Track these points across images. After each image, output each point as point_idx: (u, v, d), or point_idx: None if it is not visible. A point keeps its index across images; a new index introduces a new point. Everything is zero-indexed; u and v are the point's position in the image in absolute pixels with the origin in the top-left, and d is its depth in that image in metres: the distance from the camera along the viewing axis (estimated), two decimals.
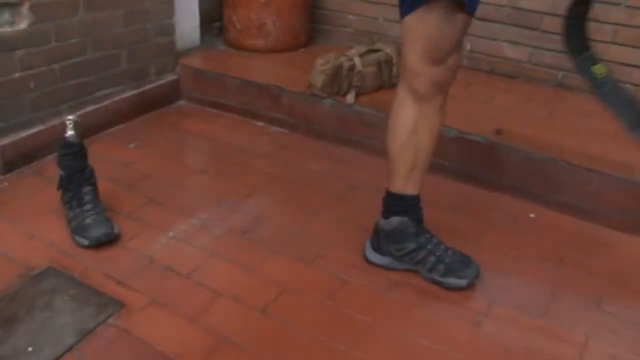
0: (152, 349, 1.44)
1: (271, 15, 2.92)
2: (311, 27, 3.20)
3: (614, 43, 2.67)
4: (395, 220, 1.70)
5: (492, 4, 2.84)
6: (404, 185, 1.68)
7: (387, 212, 1.73)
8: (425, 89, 1.56)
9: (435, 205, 2.00)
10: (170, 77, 2.80)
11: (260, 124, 2.67)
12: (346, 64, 2.43)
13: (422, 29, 1.48)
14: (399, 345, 1.51)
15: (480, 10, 2.82)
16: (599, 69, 1.40)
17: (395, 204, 1.71)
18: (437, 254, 1.70)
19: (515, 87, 2.77)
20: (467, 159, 2.23)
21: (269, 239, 1.88)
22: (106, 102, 2.51)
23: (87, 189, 1.84)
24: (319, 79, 2.41)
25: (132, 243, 1.82)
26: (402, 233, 1.70)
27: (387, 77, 2.56)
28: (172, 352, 1.43)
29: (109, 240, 1.79)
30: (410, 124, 1.60)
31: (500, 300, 1.67)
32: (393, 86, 2.58)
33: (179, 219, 1.95)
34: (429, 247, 1.71)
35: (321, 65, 2.41)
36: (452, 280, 1.69)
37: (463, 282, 1.68)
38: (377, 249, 1.77)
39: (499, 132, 2.05)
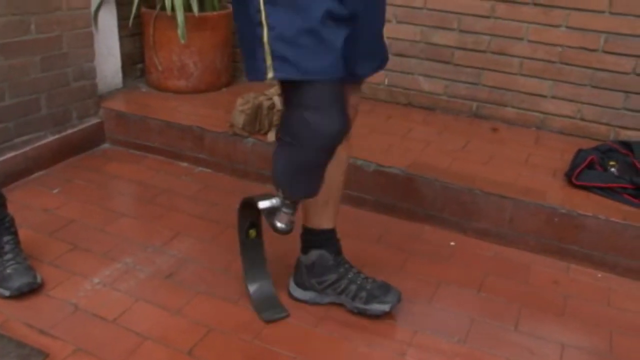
0: None
1: (192, 56, 2.95)
2: (233, 65, 3.25)
3: (520, 75, 2.83)
4: (314, 254, 1.75)
5: (407, 40, 2.97)
6: (319, 220, 1.74)
7: (305, 247, 1.78)
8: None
9: (357, 238, 2.07)
10: (93, 121, 2.78)
11: (184, 164, 2.68)
12: (266, 103, 2.49)
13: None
14: None
15: (397, 46, 2.99)
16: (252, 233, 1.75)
17: (312, 238, 1.76)
18: (358, 282, 1.74)
19: (432, 119, 2.89)
20: (387, 192, 2.31)
21: (194, 280, 1.88)
22: (26, 148, 2.48)
23: (7, 238, 1.80)
24: (239, 119, 2.46)
25: (55, 291, 1.79)
26: (322, 266, 1.75)
27: None
28: None
29: (32, 290, 1.75)
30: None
31: (423, 329, 1.73)
32: None
33: (103, 264, 1.93)
34: (349, 276, 1.75)
35: (241, 105, 2.45)
36: (375, 307, 1.72)
37: (386, 307, 1.72)
38: (300, 284, 1.80)
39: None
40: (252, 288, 1.75)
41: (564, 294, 1.94)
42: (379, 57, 1.65)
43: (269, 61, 1.35)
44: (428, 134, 2.69)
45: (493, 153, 2.52)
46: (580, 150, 2.38)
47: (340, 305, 1.78)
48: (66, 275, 1.86)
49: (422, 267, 2.03)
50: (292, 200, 1.55)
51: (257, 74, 1.38)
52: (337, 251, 1.77)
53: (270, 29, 1.33)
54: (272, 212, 1.57)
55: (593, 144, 2.54)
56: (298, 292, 1.81)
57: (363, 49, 1.52)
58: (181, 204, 2.34)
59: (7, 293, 1.73)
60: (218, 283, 1.85)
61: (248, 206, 1.67)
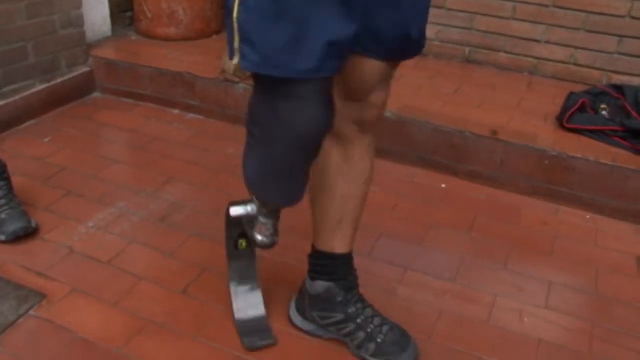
0: (76, 335, 1.45)
1: (181, 3, 2.91)
2: (222, 12, 3.20)
3: (514, 19, 2.80)
4: (320, 286, 1.44)
5: None
6: (330, 241, 1.42)
7: (312, 272, 1.47)
8: (346, 129, 1.31)
9: None
10: (82, 69, 2.76)
11: (175, 111, 2.68)
12: None
13: None
14: None
15: None
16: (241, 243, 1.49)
17: (321, 263, 1.45)
18: (368, 330, 1.42)
19: (424, 64, 2.87)
20: (379, 135, 2.29)
21: (187, 223, 1.90)
22: (15, 97, 2.46)
23: (0, 183, 1.81)
24: (230, 65, 2.41)
25: (50, 235, 1.81)
26: (328, 301, 1.44)
27: None
28: (95, 337, 1.45)
29: (27, 234, 1.77)
30: (332, 169, 1.35)
31: (413, 268, 1.76)
32: None
33: (97, 208, 1.94)
34: (358, 320, 1.42)
35: None
36: None
37: None
38: (300, 311, 1.51)
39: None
40: (238, 307, 1.49)
41: (553, 235, 1.97)
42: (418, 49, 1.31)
43: (236, 43, 1.06)
44: (420, 78, 2.68)
45: (485, 97, 2.52)
46: (571, 94, 2.38)
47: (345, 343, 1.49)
48: (60, 220, 1.88)
49: (413, 209, 2.05)
50: (267, 208, 1.31)
51: (229, 52, 1.11)
52: (349, 286, 1.44)
53: (241, 2, 1.04)
54: (250, 220, 1.35)
55: (585, 88, 2.54)
56: (298, 320, 1.52)
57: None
58: (173, 150, 2.35)
59: (2, 237, 1.75)
60: (210, 225, 1.87)
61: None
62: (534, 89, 2.69)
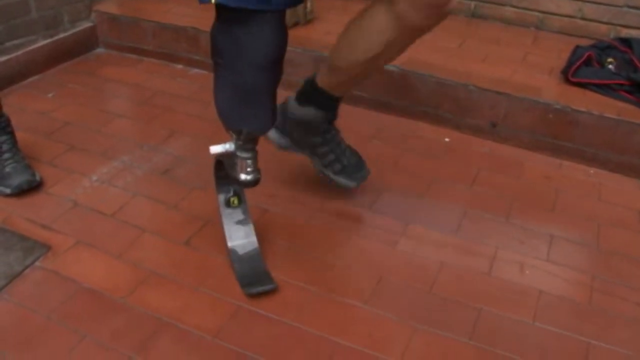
0: (81, 286, 1.47)
1: None
2: None
3: None
4: (309, 112, 1.62)
5: None
6: (337, 88, 1.59)
7: (304, 99, 1.63)
8: (418, 16, 1.34)
9: (353, 134, 2.06)
10: (85, 25, 2.74)
11: (179, 66, 2.66)
12: None
13: None
14: (316, 266, 1.59)
15: None
16: (233, 201, 1.55)
17: (318, 96, 1.61)
18: (338, 152, 1.71)
19: None
20: (382, 89, 2.30)
21: (190, 176, 1.91)
22: (18, 53, 2.45)
23: (3, 138, 1.81)
24: None
25: (54, 189, 1.82)
26: (311, 125, 1.65)
27: (302, 14, 2.57)
28: (100, 287, 1.47)
29: (31, 188, 1.78)
30: (383, 48, 1.41)
31: (415, 221, 1.77)
32: (309, 22, 2.61)
33: (101, 162, 1.95)
34: (331, 145, 1.70)
35: None
36: (343, 180, 1.72)
37: (353, 184, 1.74)
38: (279, 128, 1.69)
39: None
40: (237, 261, 1.53)
41: (556, 189, 1.97)
42: None
43: None
44: None
45: (489, 52, 2.49)
46: (577, 47, 2.35)
47: (310, 159, 1.75)
48: (64, 173, 1.89)
49: (416, 163, 2.05)
50: (243, 139, 1.37)
51: None
52: (333, 117, 1.67)
53: None
54: (232, 161, 1.42)
55: (592, 42, 2.50)
56: (273, 134, 1.70)
57: None
58: (177, 105, 2.34)
59: (7, 191, 1.76)
60: (213, 178, 1.87)
61: (223, 169, 1.49)
62: (540, 43, 2.65)
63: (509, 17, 2.84)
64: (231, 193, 1.54)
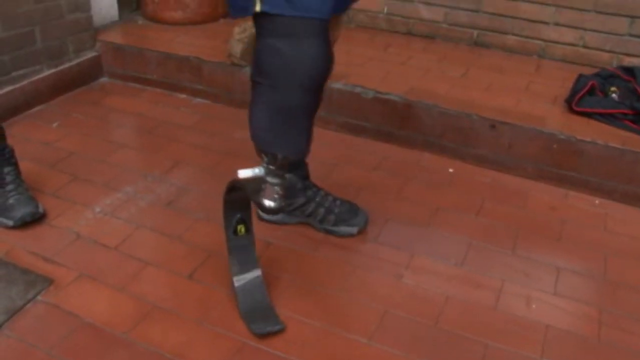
0: (82, 321, 1.46)
1: None
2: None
3: (522, 0, 2.77)
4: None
5: None
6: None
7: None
8: None
9: (355, 164, 2.08)
10: (90, 54, 2.76)
11: (182, 96, 2.67)
12: None
13: None
14: (320, 299, 1.57)
15: None
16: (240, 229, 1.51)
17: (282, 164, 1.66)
18: (326, 205, 1.76)
19: (433, 47, 2.85)
20: (385, 119, 2.30)
21: (194, 207, 1.90)
22: (23, 82, 2.46)
23: (7, 169, 1.81)
24: (237, 48, 2.43)
25: (58, 220, 1.81)
26: (290, 189, 1.69)
27: None
28: (102, 322, 1.45)
29: (35, 219, 1.78)
30: None
31: (420, 252, 1.75)
32: None
33: (104, 193, 1.95)
34: (317, 199, 1.76)
35: (238, 34, 2.42)
36: (343, 229, 1.76)
37: (354, 230, 1.77)
38: None
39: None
40: (242, 294, 1.50)
41: (561, 220, 1.96)
42: None
43: None
44: (427, 62, 2.66)
45: (493, 80, 2.50)
46: (580, 76, 2.36)
47: (308, 224, 1.81)
48: (68, 205, 1.88)
49: (420, 193, 2.04)
50: (277, 164, 1.36)
51: (242, 9, 1.27)
52: (304, 175, 1.76)
53: None
54: (256, 187, 1.38)
55: (595, 71, 2.51)
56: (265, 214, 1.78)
57: None
58: (180, 135, 2.34)
59: (10, 223, 1.75)
60: (217, 209, 1.83)
61: (235, 193, 1.46)
62: (543, 72, 2.66)
63: (511, 46, 2.86)
64: (239, 220, 1.50)
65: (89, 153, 2.19)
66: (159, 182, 2.02)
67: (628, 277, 1.71)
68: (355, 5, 1.62)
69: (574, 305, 1.60)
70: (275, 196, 1.36)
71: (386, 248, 1.77)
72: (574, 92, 2.27)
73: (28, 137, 2.26)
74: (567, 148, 2.08)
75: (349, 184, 1.85)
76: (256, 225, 1.60)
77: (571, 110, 2.23)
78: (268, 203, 1.36)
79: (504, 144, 2.15)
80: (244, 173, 1.38)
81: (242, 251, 1.52)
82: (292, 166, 1.59)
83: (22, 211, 1.76)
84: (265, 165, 1.37)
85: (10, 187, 1.80)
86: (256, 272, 1.52)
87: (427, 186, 2.09)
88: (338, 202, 1.78)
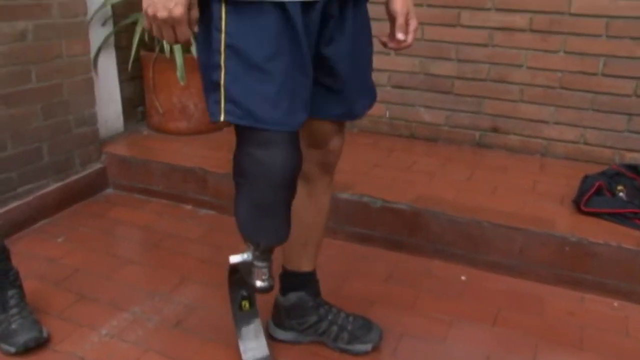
0: None
1: (192, 97, 2.95)
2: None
3: (522, 101, 2.82)
4: (293, 296, 1.73)
5: (406, 71, 2.97)
6: (298, 262, 1.72)
7: (284, 289, 1.76)
8: (311, 170, 1.61)
9: (366, 276, 2.04)
10: (96, 167, 2.78)
11: (188, 207, 2.67)
12: None
13: None
14: None
15: (396, 78, 3.01)
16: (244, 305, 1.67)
17: (291, 280, 1.74)
18: (339, 323, 1.75)
19: (436, 150, 2.88)
20: (394, 228, 2.29)
21: (203, 327, 1.85)
22: (30, 197, 2.46)
23: (11, 292, 1.77)
24: None
25: (62, 345, 1.76)
26: (302, 308, 1.73)
27: None
28: None
29: (38, 345, 1.72)
30: (299, 203, 1.57)
31: None
32: None
33: (111, 314, 1.90)
34: (329, 317, 1.75)
35: None
36: (358, 347, 1.73)
37: (368, 347, 1.74)
38: (279, 325, 1.78)
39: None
40: None
41: (581, 325, 1.90)
42: (369, 96, 1.60)
43: (222, 103, 1.32)
44: (432, 165, 2.68)
45: (498, 183, 2.50)
46: (586, 177, 2.36)
47: (322, 342, 1.77)
48: (73, 327, 1.84)
49: (434, 304, 2.00)
50: (260, 250, 1.47)
51: (212, 114, 1.36)
52: (316, 293, 1.76)
53: (227, 72, 1.30)
54: (248, 269, 1.50)
55: (598, 168, 2.52)
56: (279, 333, 1.79)
57: (354, 89, 1.50)
58: (187, 248, 2.32)
59: (12, 350, 1.70)
60: (227, 329, 1.81)
61: (236, 275, 1.60)
62: (547, 170, 2.67)
63: (513, 145, 2.89)
64: (243, 297, 1.64)
65: (95, 269, 2.15)
66: (166, 301, 1.98)
67: None
68: None
69: None
70: (264, 277, 1.48)
71: None
72: (582, 192, 2.27)
73: (33, 253, 2.23)
74: (580, 250, 2.06)
75: (361, 298, 1.81)
76: (269, 345, 1.58)
77: (580, 210, 2.22)
78: (259, 284, 1.48)
79: (516, 249, 2.13)
80: (234, 258, 1.53)
81: (248, 325, 1.67)
82: (302, 284, 1.74)
83: (25, 337, 1.71)
84: (251, 251, 1.48)
85: (13, 310, 1.76)
86: (262, 342, 1.66)
87: (440, 296, 2.04)
88: (351, 319, 1.76)
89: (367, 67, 1.55)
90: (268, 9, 1.26)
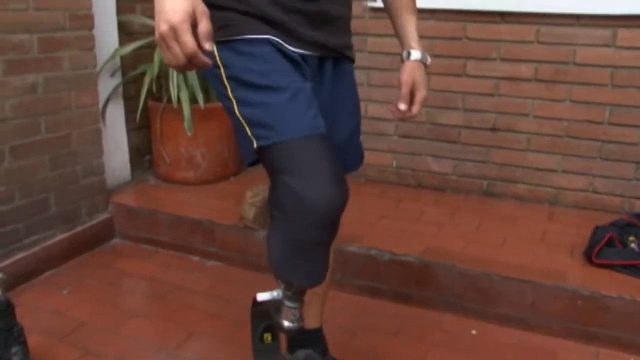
0: None
1: (200, 148, 2.96)
2: (239, 155, 3.25)
3: (529, 150, 2.82)
4: (301, 354, 1.68)
5: (413, 121, 2.98)
6: (305, 319, 1.63)
7: (291, 347, 1.71)
8: None
9: (375, 330, 2.01)
10: (102, 217, 2.77)
11: (195, 258, 2.65)
12: None
13: None
14: None
15: (403, 128, 3.02)
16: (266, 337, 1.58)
17: (298, 338, 1.69)
18: None
19: (443, 199, 2.87)
20: (403, 281, 2.26)
21: None
22: (36, 249, 2.45)
23: (15, 349, 1.75)
24: (250, 212, 2.44)
25: None
26: None
27: None
28: None
29: None
30: None
31: None
32: None
33: None
34: None
35: (251, 198, 2.44)
36: None
37: None
38: None
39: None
40: None
41: None
42: (354, 158, 1.59)
43: (248, 132, 1.28)
44: (440, 215, 2.67)
45: (507, 233, 2.48)
46: (597, 228, 2.34)
47: None
48: None
49: (444, 359, 1.96)
50: (293, 290, 1.36)
51: (246, 155, 1.33)
52: (324, 350, 1.72)
53: (238, 102, 1.30)
54: (276, 307, 1.40)
55: (608, 216, 2.51)
56: None
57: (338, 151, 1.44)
58: (194, 301, 2.29)
59: None
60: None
61: (260, 307, 1.49)
62: (556, 219, 2.66)
63: (521, 194, 2.88)
64: (265, 328, 1.54)
65: (101, 323, 2.13)
66: (174, 357, 1.94)
67: None
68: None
69: None
70: (293, 318, 1.38)
71: None
72: (592, 244, 2.24)
73: (38, 306, 2.21)
74: (593, 304, 2.03)
75: (370, 353, 1.77)
76: None
77: (591, 262, 2.20)
78: (287, 324, 1.38)
79: (527, 303, 2.10)
80: (262, 296, 1.42)
81: (268, 358, 1.56)
82: (310, 342, 1.68)
83: None
84: (282, 290, 1.38)
85: None
86: None
87: (451, 351, 2.00)
88: None
89: (348, 125, 1.53)
90: (259, 40, 1.31)
